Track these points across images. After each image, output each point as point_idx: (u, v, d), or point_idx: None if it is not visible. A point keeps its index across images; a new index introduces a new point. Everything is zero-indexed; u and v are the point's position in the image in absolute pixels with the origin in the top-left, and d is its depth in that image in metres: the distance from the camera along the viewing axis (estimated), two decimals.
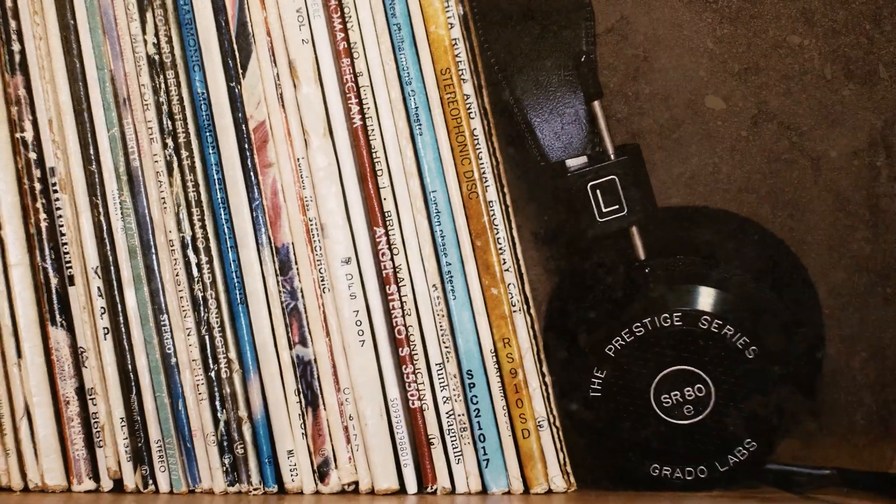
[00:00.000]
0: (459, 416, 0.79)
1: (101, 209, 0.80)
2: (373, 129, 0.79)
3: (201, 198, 0.80)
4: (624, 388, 0.79)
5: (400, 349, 0.79)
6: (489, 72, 0.82)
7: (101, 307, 0.80)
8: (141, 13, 0.80)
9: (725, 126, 0.97)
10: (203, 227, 0.80)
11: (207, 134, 0.80)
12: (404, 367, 0.79)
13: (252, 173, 0.79)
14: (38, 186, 0.81)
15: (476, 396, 0.79)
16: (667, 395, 0.79)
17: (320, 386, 0.79)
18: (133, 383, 0.81)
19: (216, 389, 0.80)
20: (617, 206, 0.80)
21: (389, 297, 0.79)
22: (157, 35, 0.80)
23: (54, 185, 0.81)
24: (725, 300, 0.79)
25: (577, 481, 0.81)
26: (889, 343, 0.96)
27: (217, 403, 0.80)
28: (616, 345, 0.79)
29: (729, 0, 0.96)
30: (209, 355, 0.80)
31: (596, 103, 0.81)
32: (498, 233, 0.79)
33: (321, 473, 0.79)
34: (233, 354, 0.80)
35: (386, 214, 0.79)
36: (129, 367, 0.80)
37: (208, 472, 0.80)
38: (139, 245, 0.80)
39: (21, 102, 0.81)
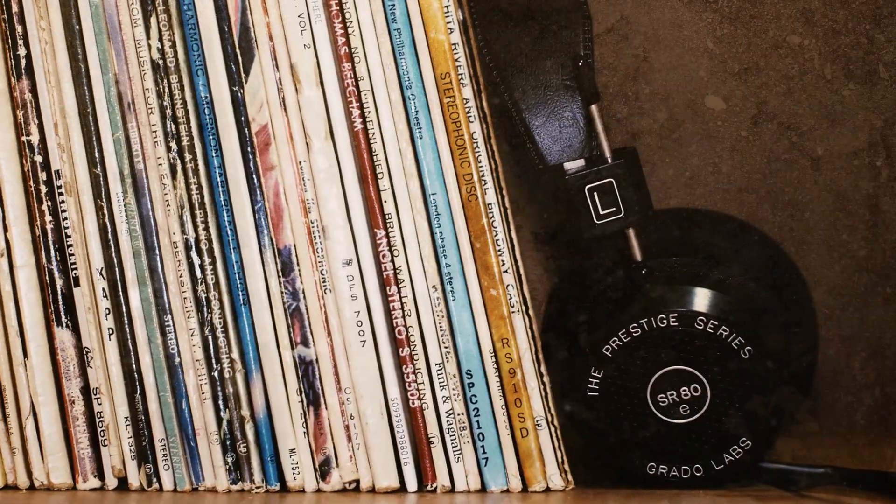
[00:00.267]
0: (459, 415, 0.80)
1: (105, 211, 0.81)
2: (373, 132, 0.80)
3: (204, 200, 0.81)
4: (621, 388, 0.80)
5: (400, 349, 0.80)
6: (488, 74, 0.83)
7: (106, 308, 0.82)
8: (145, 18, 0.81)
9: (725, 126, 0.97)
10: (206, 228, 0.81)
11: (210, 137, 0.81)
12: (404, 366, 0.80)
13: (254, 176, 0.80)
14: (43, 189, 0.82)
15: (475, 396, 0.80)
16: (663, 395, 0.80)
17: (322, 385, 0.81)
18: (137, 383, 0.82)
19: (219, 389, 0.81)
20: (614, 209, 0.80)
21: (390, 298, 0.80)
22: (160, 40, 0.81)
23: (60, 187, 0.82)
24: (721, 301, 0.80)
25: (575, 480, 0.81)
26: (889, 343, 0.97)
27: (220, 403, 0.81)
28: (613, 345, 0.80)
29: (729, 0, 0.97)
30: (212, 355, 0.81)
31: (593, 107, 0.81)
32: (497, 234, 0.80)
33: (322, 472, 0.81)
34: (235, 354, 0.81)
35: (386, 216, 0.80)
36: (134, 366, 0.82)
37: (211, 471, 0.81)
38: (143, 246, 0.81)
39: (27, 106, 0.82)
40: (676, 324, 0.79)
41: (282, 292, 0.81)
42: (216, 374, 0.81)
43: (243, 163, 0.81)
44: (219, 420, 0.81)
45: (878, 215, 0.97)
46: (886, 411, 0.98)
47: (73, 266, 0.82)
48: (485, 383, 0.80)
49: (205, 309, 0.81)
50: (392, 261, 0.81)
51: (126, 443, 0.82)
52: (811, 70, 0.97)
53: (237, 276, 0.81)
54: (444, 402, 0.80)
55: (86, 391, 0.82)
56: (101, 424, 0.82)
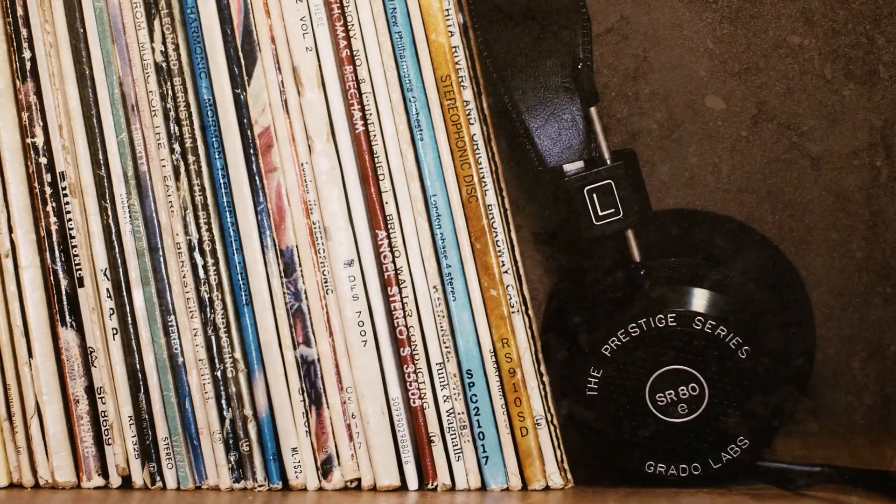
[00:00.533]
0: (459, 414, 0.81)
1: (109, 212, 0.82)
2: (374, 134, 0.81)
3: (207, 201, 0.82)
4: (620, 388, 0.81)
5: (401, 349, 0.81)
6: (488, 76, 0.83)
7: (110, 308, 0.82)
8: (149, 21, 0.81)
9: (725, 126, 0.98)
10: (209, 230, 0.82)
11: (213, 139, 0.81)
12: (405, 366, 0.81)
13: (257, 177, 0.81)
14: (48, 190, 0.82)
15: (475, 395, 0.81)
16: (662, 394, 0.80)
17: (323, 385, 0.81)
18: (141, 382, 0.82)
19: (222, 388, 0.82)
20: (613, 210, 0.81)
21: (391, 299, 0.81)
22: (164, 43, 0.81)
23: (64, 188, 0.82)
24: (719, 301, 0.80)
25: (575, 478, 0.82)
26: (889, 343, 0.98)
27: (223, 402, 0.82)
28: (612, 345, 0.80)
29: (729, 0, 0.97)
30: (215, 355, 0.82)
31: (592, 109, 0.82)
32: (497, 235, 0.81)
33: (324, 470, 0.81)
34: (238, 354, 0.82)
35: (387, 217, 0.81)
36: (137, 366, 0.82)
37: (214, 469, 0.82)
38: (147, 247, 0.82)
39: (32, 108, 0.82)
40: (675, 324, 0.80)
41: (284, 293, 0.82)
42: (219, 373, 0.82)
43: (246, 164, 0.81)
44: (222, 419, 0.82)
45: (878, 215, 0.98)
46: (886, 411, 0.98)
47: (77, 267, 0.83)
48: (485, 383, 0.81)
49: (208, 309, 0.82)
50: (393, 261, 0.81)
51: (130, 442, 0.83)
52: (811, 70, 0.97)
53: (240, 276, 0.82)
54: (445, 401, 0.81)
55: (90, 390, 0.83)
56: (105, 423, 0.83)
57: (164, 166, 0.83)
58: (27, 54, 0.83)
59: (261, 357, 0.82)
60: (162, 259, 0.83)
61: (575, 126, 0.82)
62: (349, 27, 0.81)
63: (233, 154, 0.82)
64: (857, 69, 0.98)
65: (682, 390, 0.81)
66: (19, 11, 0.82)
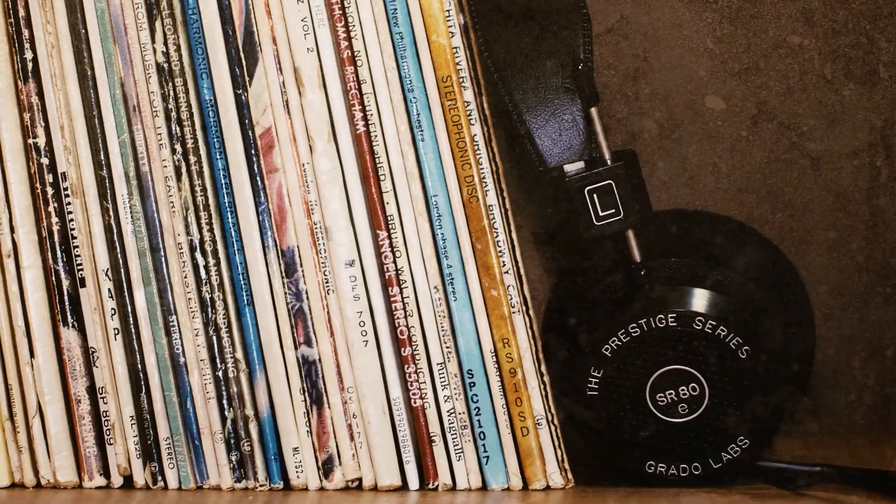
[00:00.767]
0: (460, 414, 0.81)
1: (111, 213, 0.82)
2: (375, 135, 0.81)
3: (209, 202, 0.82)
4: (620, 388, 0.81)
5: (402, 349, 0.82)
6: (489, 77, 0.84)
7: (112, 308, 0.83)
8: (150, 22, 0.82)
9: (725, 126, 0.98)
10: (210, 230, 0.82)
11: (215, 140, 0.82)
12: (406, 366, 0.82)
13: (258, 178, 0.82)
14: (49, 191, 0.83)
15: (476, 395, 0.81)
16: (662, 394, 0.81)
17: (325, 385, 0.82)
18: (142, 382, 0.83)
19: (223, 388, 0.82)
20: (613, 210, 0.81)
21: (392, 299, 0.82)
22: (165, 43, 0.82)
23: (66, 189, 0.83)
24: (720, 301, 0.81)
25: (575, 478, 0.82)
26: (889, 343, 0.98)
27: (224, 402, 0.82)
28: (613, 345, 0.81)
29: (729, 0, 0.97)
30: (216, 355, 0.82)
31: (593, 109, 0.82)
32: (498, 236, 0.81)
33: (325, 470, 0.82)
34: (239, 354, 0.82)
35: (388, 217, 0.81)
36: (139, 366, 0.83)
37: (216, 469, 0.82)
38: (148, 248, 0.82)
39: (33, 109, 0.83)
40: (675, 324, 0.81)
41: (285, 293, 0.82)
42: (220, 373, 0.82)
43: (247, 165, 0.82)
44: (223, 419, 0.82)
45: (878, 215, 0.98)
46: (886, 411, 0.98)
47: (79, 267, 0.83)
48: (486, 383, 0.82)
49: (209, 309, 0.82)
50: (394, 261, 0.82)
51: (131, 441, 0.83)
52: (811, 70, 0.98)
53: (241, 276, 0.82)
54: (446, 401, 0.82)
55: (91, 390, 0.83)
56: (106, 423, 0.83)
57: (165, 167, 0.83)
58: (29, 55, 0.83)
59: (262, 357, 0.83)
60: (163, 259, 0.83)
61: (575, 126, 0.83)
62: (350, 28, 0.82)
63: (234, 154, 0.82)
64: (857, 69, 0.98)
65: (683, 390, 0.81)
66: (21, 12, 0.83)
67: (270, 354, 0.82)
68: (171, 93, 0.82)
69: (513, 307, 0.82)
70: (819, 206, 0.99)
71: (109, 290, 0.83)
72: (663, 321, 0.81)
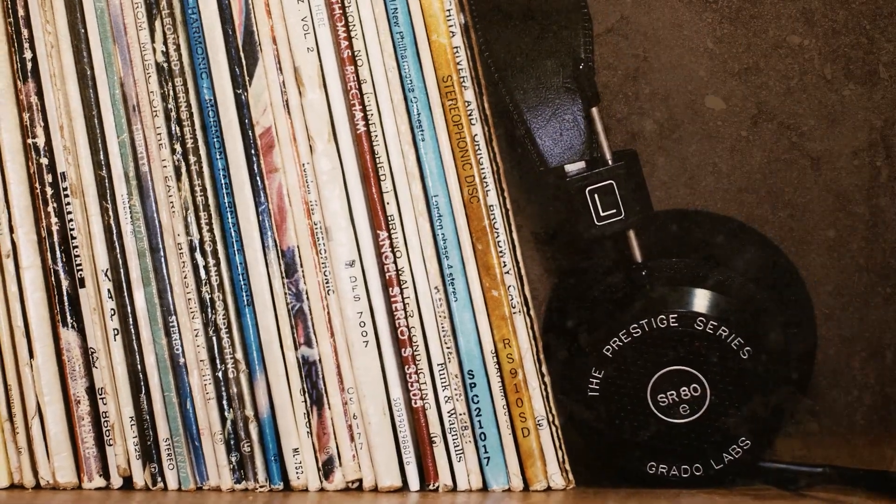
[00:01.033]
0: (461, 415, 0.82)
1: (110, 213, 0.83)
2: (376, 135, 0.82)
3: (209, 202, 0.82)
4: (621, 388, 0.81)
5: (402, 350, 0.82)
6: (489, 76, 0.84)
7: (111, 309, 0.83)
8: (150, 22, 0.82)
9: (725, 126, 0.98)
10: (210, 230, 0.82)
11: (215, 139, 0.82)
12: (407, 367, 0.82)
13: (258, 178, 0.82)
14: (49, 191, 0.83)
15: (477, 396, 0.82)
16: (663, 395, 0.81)
17: (325, 386, 0.82)
18: (142, 383, 0.83)
19: (223, 389, 0.82)
20: (614, 210, 0.82)
21: (392, 299, 0.82)
22: (165, 43, 0.82)
23: (65, 189, 0.83)
24: (721, 302, 0.81)
25: (576, 479, 0.82)
26: (889, 343, 0.99)
27: (224, 403, 0.82)
28: (614, 345, 0.81)
29: (729, 0, 0.97)
30: (216, 356, 0.82)
31: (594, 109, 0.82)
32: (498, 236, 0.82)
33: (326, 471, 0.82)
34: (239, 355, 0.82)
35: (389, 218, 0.82)
36: (139, 367, 0.83)
37: (216, 470, 0.83)
38: (148, 248, 0.83)
39: (33, 108, 0.83)
40: (676, 324, 0.81)
41: (285, 293, 0.82)
42: (220, 374, 0.83)
43: (247, 165, 0.82)
44: (223, 420, 0.83)
45: (878, 215, 0.99)
46: (886, 411, 0.99)
47: (78, 267, 0.83)
48: (486, 383, 0.82)
49: (209, 310, 0.83)
50: (394, 262, 0.82)
51: (131, 442, 0.83)
52: (811, 70, 0.98)
53: (241, 277, 0.82)
54: (446, 401, 0.82)
55: (91, 391, 0.84)
56: (106, 424, 0.84)
57: (165, 167, 0.83)
58: (28, 54, 0.83)
59: (262, 357, 0.83)
60: (163, 259, 0.83)
61: (576, 126, 0.83)
62: (350, 27, 0.82)
63: (234, 154, 0.82)
64: (857, 69, 0.98)
65: (684, 391, 0.82)
66: (20, 12, 0.83)
67: (270, 355, 0.83)
68: (171, 93, 0.83)
69: (513, 307, 0.82)
70: (819, 205, 0.99)
71: (109, 290, 0.83)
72: (664, 321, 0.81)
